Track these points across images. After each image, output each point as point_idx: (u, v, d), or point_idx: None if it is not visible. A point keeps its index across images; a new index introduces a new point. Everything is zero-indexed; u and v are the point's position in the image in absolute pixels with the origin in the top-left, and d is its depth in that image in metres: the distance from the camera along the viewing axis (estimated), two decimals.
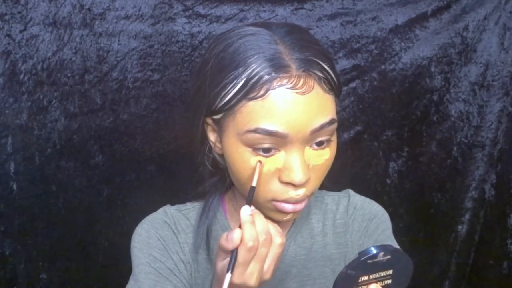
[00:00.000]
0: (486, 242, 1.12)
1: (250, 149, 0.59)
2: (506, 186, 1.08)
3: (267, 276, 0.57)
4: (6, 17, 0.89)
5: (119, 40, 0.93)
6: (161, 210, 0.75)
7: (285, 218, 0.63)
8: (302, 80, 0.57)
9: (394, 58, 1.01)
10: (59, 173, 0.98)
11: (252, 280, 0.55)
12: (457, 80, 1.03)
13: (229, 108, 0.59)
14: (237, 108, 0.58)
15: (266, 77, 0.56)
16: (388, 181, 1.09)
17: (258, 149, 0.58)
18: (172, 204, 0.76)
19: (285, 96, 0.56)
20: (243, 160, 0.60)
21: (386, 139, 1.06)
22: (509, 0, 0.99)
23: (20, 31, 0.90)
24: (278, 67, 0.57)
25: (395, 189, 1.09)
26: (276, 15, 0.96)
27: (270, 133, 0.57)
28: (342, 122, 1.02)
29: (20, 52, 0.90)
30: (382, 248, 0.51)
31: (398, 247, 0.74)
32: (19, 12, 0.89)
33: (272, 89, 0.56)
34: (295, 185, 0.59)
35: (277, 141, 0.58)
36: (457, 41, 1.01)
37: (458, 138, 1.06)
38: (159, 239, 0.71)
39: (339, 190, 0.80)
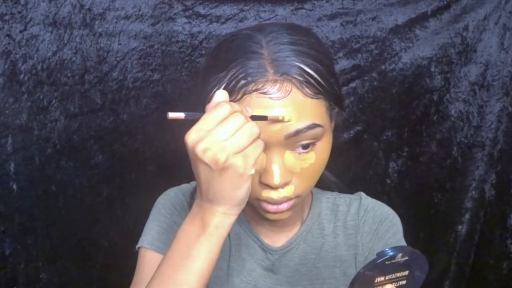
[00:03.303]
0: (486, 242, 1.12)
1: None
2: (506, 186, 1.08)
3: (245, 162, 0.51)
4: (6, 17, 0.89)
5: (119, 40, 0.93)
6: (181, 186, 0.77)
7: (273, 218, 0.64)
8: (278, 85, 0.57)
9: (394, 58, 1.01)
10: (59, 173, 0.98)
11: (223, 154, 0.49)
12: (457, 80, 1.03)
13: None
14: None
15: (243, 81, 0.57)
16: (388, 181, 1.09)
17: None
18: None
19: (258, 101, 0.57)
20: None
21: (386, 139, 1.06)
22: (509, 0, 0.99)
23: (20, 31, 0.90)
24: (256, 72, 0.57)
25: (395, 189, 1.09)
26: (276, 15, 0.96)
27: None
28: (342, 122, 1.02)
29: (20, 52, 0.91)
30: (401, 249, 0.52)
31: None
32: (19, 12, 0.89)
33: (247, 94, 0.57)
34: (272, 187, 0.60)
35: None
36: (457, 41, 1.01)
37: (458, 138, 1.06)
38: (182, 202, 0.74)
39: (339, 190, 0.80)
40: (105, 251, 1.04)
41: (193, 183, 0.77)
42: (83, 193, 1.00)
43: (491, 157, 1.07)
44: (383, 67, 1.01)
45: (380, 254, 0.51)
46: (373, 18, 0.99)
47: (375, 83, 1.02)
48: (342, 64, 1.00)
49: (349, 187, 0.80)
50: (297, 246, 0.73)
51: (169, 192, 0.76)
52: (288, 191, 0.61)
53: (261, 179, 0.60)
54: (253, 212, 0.71)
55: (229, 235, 0.72)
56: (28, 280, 1.02)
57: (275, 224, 0.72)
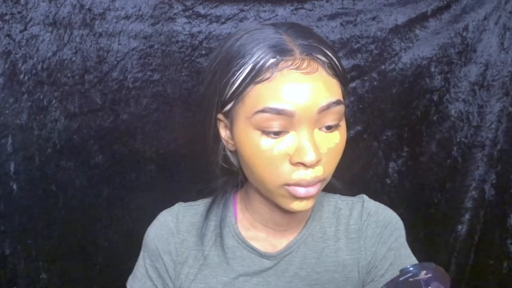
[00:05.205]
0: (486, 242, 1.12)
1: (259, 132, 0.60)
2: (506, 186, 1.08)
3: None
4: (6, 17, 0.89)
5: (119, 40, 0.93)
6: (173, 206, 0.77)
7: (299, 207, 0.63)
8: (306, 62, 0.59)
9: (394, 58, 1.01)
10: (59, 173, 0.98)
11: None
12: (457, 80, 1.03)
13: (238, 94, 0.61)
14: (246, 93, 0.60)
15: (272, 60, 0.59)
16: (388, 181, 1.09)
17: (269, 132, 0.60)
18: (176, 201, 0.77)
19: (290, 76, 0.58)
20: (254, 143, 0.61)
21: (386, 139, 1.06)
22: (509, 0, 0.99)
23: (20, 31, 0.90)
24: (282, 51, 0.59)
25: (395, 189, 1.09)
26: (276, 15, 0.96)
27: (278, 112, 0.58)
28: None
29: (20, 52, 0.91)
30: (424, 266, 0.51)
31: (411, 256, 0.74)
32: (19, 12, 0.89)
33: (277, 71, 0.58)
34: (306, 165, 0.60)
35: (286, 121, 0.59)
36: (457, 41, 1.01)
37: (458, 138, 1.06)
38: (156, 237, 0.74)
39: (341, 192, 0.80)
40: (105, 251, 1.04)
41: (189, 203, 0.77)
42: (83, 193, 1.00)
43: (491, 157, 1.07)
44: (383, 67, 1.01)
45: (403, 271, 0.51)
46: (373, 18, 0.99)
47: (375, 83, 1.02)
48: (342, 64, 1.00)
49: (349, 187, 0.79)
50: (297, 249, 0.72)
51: (149, 231, 0.75)
52: (318, 171, 0.61)
53: (293, 159, 0.60)
54: (264, 213, 0.71)
55: (224, 254, 0.72)
56: (28, 280, 1.02)
57: (281, 224, 0.71)
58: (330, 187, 0.76)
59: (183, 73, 0.96)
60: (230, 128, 0.65)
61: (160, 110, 0.97)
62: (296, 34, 0.61)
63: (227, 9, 0.95)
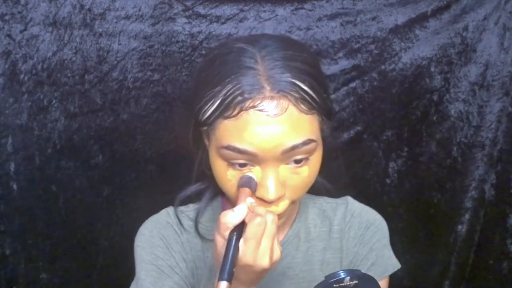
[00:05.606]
0: (486, 242, 1.12)
1: (226, 163, 0.62)
2: (506, 186, 1.08)
3: (277, 255, 0.58)
4: (6, 17, 0.89)
5: (119, 40, 0.93)
6: (163, 211, 0.77)
7: None
8: (275, 102, 0.58)
9: (394, 58, 1.01)
10: (59, 173, 0.98)
11: (266, 260, 0.55)
12: (457, 80, 1.03)
13: (210, 123, 0.62)
14: (216, 125, 0.61)
15: (239, 98, 0.58)
16: (388, 181, 1.09)
17: (234, 163, 0.61)
18: (173, 204, 0.77)
19: (256, 118, 0.58)
20: (221, 172, 0.63)
21: (386, 139, 1.06)
22: (509, 0, 0.99)
23: (20, 31, 0.90)
24: (252, 88, 0.58)
25: (395, 189, 1.09)
26: (276, 15, 0.96)
27: (240, 151, 0.59)
28: (342, 122, 1.02)
29: (20, 52, 0.91)
30: (350, 272, 0.53)
31: (393, 257, 0.75)
32: (19, 12, 0.89)
33: (244, 110, 0.58)
34: (267, 202, 0.61)
35: (250, 158, 0.60)
36: (457, 41, 1.01)
37: (458, 138, 1.06)
38: (161, 238, 0.73)
39: (339, 190, 0.80)
40: (105, 251, 1.04)
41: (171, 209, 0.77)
42: (83, 193, 1.00)
43: (491, 157, 1.07)
44: (383, 67, 1.01)
45: (329, 276, 0.52)
46: (373, 18, 0.99)
47: (375, 83, 1.02)
48: (342, 64, 1.00)
49: (348, 187, 0.80)
50: (284, 250, 0.73)
51: (143, 231, 0.75)
52: (280, 206, 0.62)
53: (256, 193, 0.61)
54: None
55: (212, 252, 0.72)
56: (28, 280, 1.02)
57: None
58: (317, 189, 0.77)
59: (183, 73, 0.96)
60: (208, 145, 0.66)
61: (160, 110, 0.97)
62: (273, 64, 0.59)
63: (227, 9, 0.95)
